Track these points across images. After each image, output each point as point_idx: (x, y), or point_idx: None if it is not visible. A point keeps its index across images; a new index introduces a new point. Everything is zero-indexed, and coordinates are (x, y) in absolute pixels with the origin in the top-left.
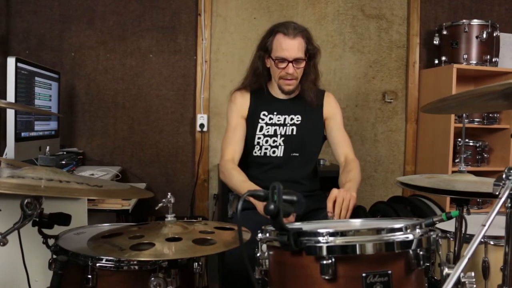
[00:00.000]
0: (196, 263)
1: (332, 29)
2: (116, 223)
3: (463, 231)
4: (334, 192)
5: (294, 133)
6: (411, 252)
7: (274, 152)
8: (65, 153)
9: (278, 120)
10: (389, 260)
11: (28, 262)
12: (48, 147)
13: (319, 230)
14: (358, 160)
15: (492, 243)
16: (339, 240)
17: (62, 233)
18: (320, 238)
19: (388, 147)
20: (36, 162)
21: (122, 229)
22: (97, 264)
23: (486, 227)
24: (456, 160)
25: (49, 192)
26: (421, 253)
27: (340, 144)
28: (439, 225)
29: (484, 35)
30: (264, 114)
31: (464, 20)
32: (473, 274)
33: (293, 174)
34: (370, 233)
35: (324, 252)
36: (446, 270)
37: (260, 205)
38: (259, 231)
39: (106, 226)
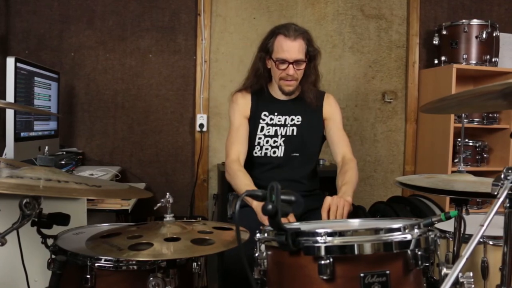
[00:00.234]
0: (195, 263)
1: (331, 29)
2: (115, 223)
3: (462, 231)
4: (328, 200)
5: (295, 133)
6: (409, 252)
7: (274, 152)
8: (64, 153)
9: (278, 121)
10: (387, 260)
11: (27, 262)
12: (47, 147)
13: (317, 230)
14: (358, 160)
15: (491, 243)
16: (337, 240)
17: (61, 233)
18: (318, 238)
19: (387, 147)
20: (36, 162)
21: (121, 229)
22: (96, 264)
23: (484, 227)
24: (456, 160)
25: (47, 192)
26: (419, 253)
27: (338, 144)
28: (438, 225)
29: (484, 35)
30: (265, 115)
31: (463, 20)
32: (471, 274)
33: (293, 173)
34: (368, 233)
35: (322, 252)
36: (444, 270)
37: (259, 211)
38: (257, 231)
39: (105, 226)
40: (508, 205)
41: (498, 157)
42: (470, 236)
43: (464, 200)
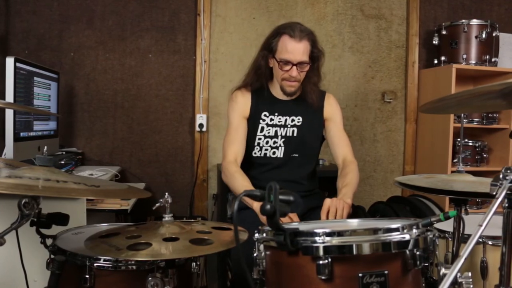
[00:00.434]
0: (194, 263)
1: (331, 29)
2: (114, 223)
3: (461, 231)
4: (327, 202)
5: (295, 134)
6: (407, 252)
7: (274, 153)
8: (64, 153)
9: (279, 121)
10: (385, 260)
11: (26, 262)
12: (45, 147)
13: (315, 230)
14: (358, 160)
15: (490, 243)
16: (335, 240)
17: (60, 233)
18: (317, 238)
19: (387, 147)
20: (35, 162)
21: (120, 229)
22: (95, 264)
23: (482, 227)
24: (455, 160)
25: (46, 192)
26: (417, 253)
27: (338, 145)
28: (438, 225)
29: (484, 35)
30: (265, 115)
31: (463, 20)
32: (470, 274)
33: (293, 174)
34: (366, 233)
35: (321, 252)
36: (443, 270)
37: (257, 206)
38: (255, 231)
39: (104, 226)
40: (506, 205)
41: (498, 157)
42: (469, 236)
43: (463, 200)
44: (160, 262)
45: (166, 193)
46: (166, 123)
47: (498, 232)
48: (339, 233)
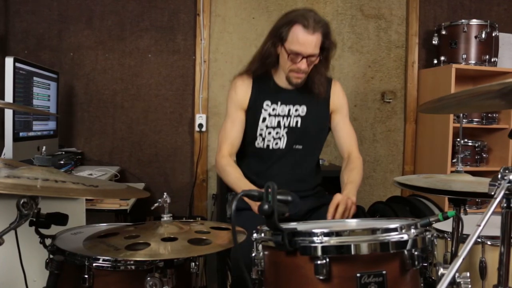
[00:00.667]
0: (193, 263)
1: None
2: (113, 223)
3: (460, 231)
4: (337, 198)
5: (299, 125)
6: (406, 252)
7: (276, 143)
8: (63, 153)
9: (282, 111)
10: (383, 260)
11: (26, 262)
12: (44, 147)
13: (313, 230)
14: None
15: (489, 243)
16: (333, 240)
17: (59, 233)
18: (315, 238)
19: (387, 147)
20: (34, 162)
21: (119, 229)
22: (94, 264)
23: (481, 228)
24: (454, 160)
25: (44, 192)
26: (416, 253)
27: (345, 139)
28: (437, 225)
29: (483, 35)
30: (267, 105)
31: (463, 20)
32: (468, 274)
33: (296, 167)
34: (365, 233)
35: (319, 252)
36: (441, 270)
37: (255, 205)
38: (254, 231)
39: (103, 226)
40: (505, 205)
41: (498, 157)
42: (468, 236)
43: (462, 200)
44: (159, 262)
45: (165, 193)
46: (165, 123)
47: (497, 232)
48: (337, 233)
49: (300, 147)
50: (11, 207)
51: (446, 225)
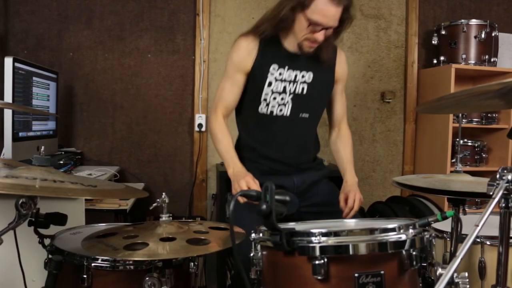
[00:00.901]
0: (192, 263)
1: None
2: (112, 223)
3: (459, 231)
4: (347, 189)
5: (304, 92)
6: (404, 252)
7: (281, 110)
8: (63, 153)
9: (288, 77)
10: (382, 260)
11: (25, 262)
12: (43, 147)
13: (311, 230)
14: (357, 160)
15: (488, 243)
16: (331, 240)
17: (58, 233)
18: (313, 238)
19: (386, 147)
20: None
21: (117, 229)
22: (92, 264)
23: (479, 228)
24: (454, 160)
25: (42, 192)
26: (414, 253)
27: (339, 110)
28: (436, 225)
29: (483, 35)
30: (274, 68)
31: (462, 20)
32: (466, 274)
33: (301, 137)
34: (363, 233)
35: (317, 252)
36: (439, 270)
37: (234, 178)
38: (252, 231)
39: (102, 226)
40: (503, 205)
41: (497, 157)
42: (467, 236)
43: (461, 200)
44: (158, 262)
45: (163, 193)
46: (165, 123)
47: (496, 232)
48: (335, 233)
49: (307, 115)
50: (10, 207)
51: (445, 225)
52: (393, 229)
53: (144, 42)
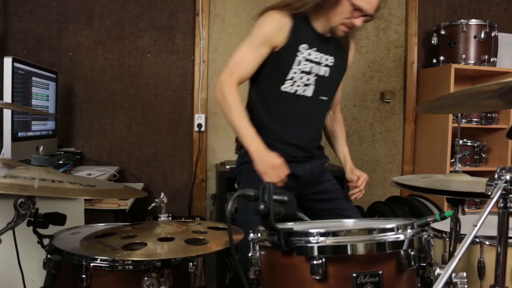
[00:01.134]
0: (191, 263)
1: None
2: (111, 223)
3: (457, 231)
4: (355, 172)
5: (327, 75)
6: (402, 252)
7: (304, 90)
8: (62, 153)
9: (315, 58)
10: (380, 260)
11: (24, 262)
12: (41, 147)
13: (310, 230)
14: (356, 160)
15: (487, 243)
16: (329, 240)
17: (57, 233)
18: (311, 238)
19: (386, 147)
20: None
21: (116, 229)
22: (91, 264)
23: (477, 228)
24: (453, 160)
25: (41, 192)
26: (412, 253)
27: (339, 91)
28: (435, 225)
29: (482, 35)
30: (304, 48)
31: (462, 20)
32: (464, 274)
33: (318, 120)
34: (361, 233)
35: (315, 252)
36: (437, 270)
37: (258, 157)
38: (251, 231)
39: (100, 226)
40: (502, 205)
41: (497, 157)
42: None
43: (460, 200)
44: (156, 262)
45: (162, 193)
46: (164, 123)
47: (495, 232)
48: (334, 233)
49: (325, 98)
50: (8, 207)
51: (444, 225)
52: (391, 229)
53: (143, 42)
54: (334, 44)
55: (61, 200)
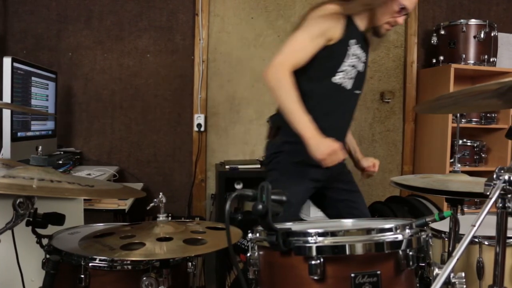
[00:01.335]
0: (190, 263)
1: None
2: (109, 223)
3: (457, 231)
4: (372, 160)
5: (362, 70)
6: (400, 252)
7: (347, 83)
8: (62, 152)
9: (358, 53)
10: (378, 261)
11: (24, 262)
12: (40, 147)
13: (308, 230)
14: None
15: (486, 243)
16: (328, 240)
17: (56, 233)
18: (309, 238)
19: (386, 147)
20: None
21: (115, 229)
22: (90, 264)
23: (475, 228)
24: (452, 160)
25: (40, 192)
26: (410, 253)
27: None
28: (434, 225)
29: (482, 35)
30: (352, 42)
31: (462, 20)
32: (463, 274)
33: (352, 112)
34: (359, 233)
35: (313, 252)
36: (436, 270)
37: (313, 143)
38: (249, 231)
39: (99, 226)
40: (500, 205)
41: (496, 157)
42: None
43: (459, 200)
44: (155, 262)
45: (161, 193)
46: (164, 123)
47: (495, 232)
48: (332, 233)
49: (359, 92)
50: (7, 207)
51: (444, 225)
52: (389, 229)
53: (143, 42)
54: (367, 43)
55: (61, 200)
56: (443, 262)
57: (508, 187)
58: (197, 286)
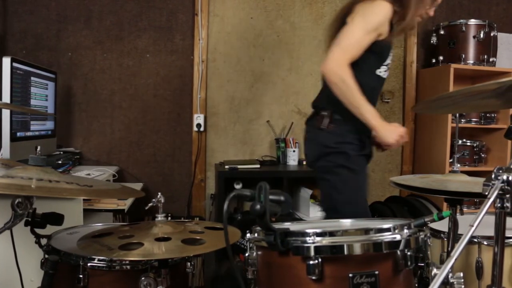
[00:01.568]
0: (189, 263)
1: None
2: (108, 223)
3: (455, 231)
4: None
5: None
6: (399, 252)
7: (385, 75)
8: (61, 152)
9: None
10: (376, 261)
11: (23, 262)
12: (39, 147)
13: (306, 230)
14: None
15: (485, 243)
16: (326, 240)
17: (55, 233)
18: (307, 238)
19: None
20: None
21: (113, 229)
22: (89, 264)
23: (473, 228)
24: (451, 160)
25: (37, 192)
26: (409, 253)
27: None
28: (434, 225)
29: (482, 35)
30: (392, 36)
31: (461, 20)
32: (461, 274)
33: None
34: (358, 233)
35: (311, 253)
36: (434, 270)
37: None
38: (248, 231)
39: (98, 226)
40: (499, 205)
41: (496, 157)
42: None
43: (458, 200)
44: (154, 262)
45: (159, 193)
46: (164, 123)
47: (493, 232)
48: (330, 233)
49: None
50: (6, 207)
51: (443, 225)
52: (388, 229)
53: (142, 42)
54: None
55: (60, 200)
56: (442, 262)
57: (506, 187)
58: (196, 286)
